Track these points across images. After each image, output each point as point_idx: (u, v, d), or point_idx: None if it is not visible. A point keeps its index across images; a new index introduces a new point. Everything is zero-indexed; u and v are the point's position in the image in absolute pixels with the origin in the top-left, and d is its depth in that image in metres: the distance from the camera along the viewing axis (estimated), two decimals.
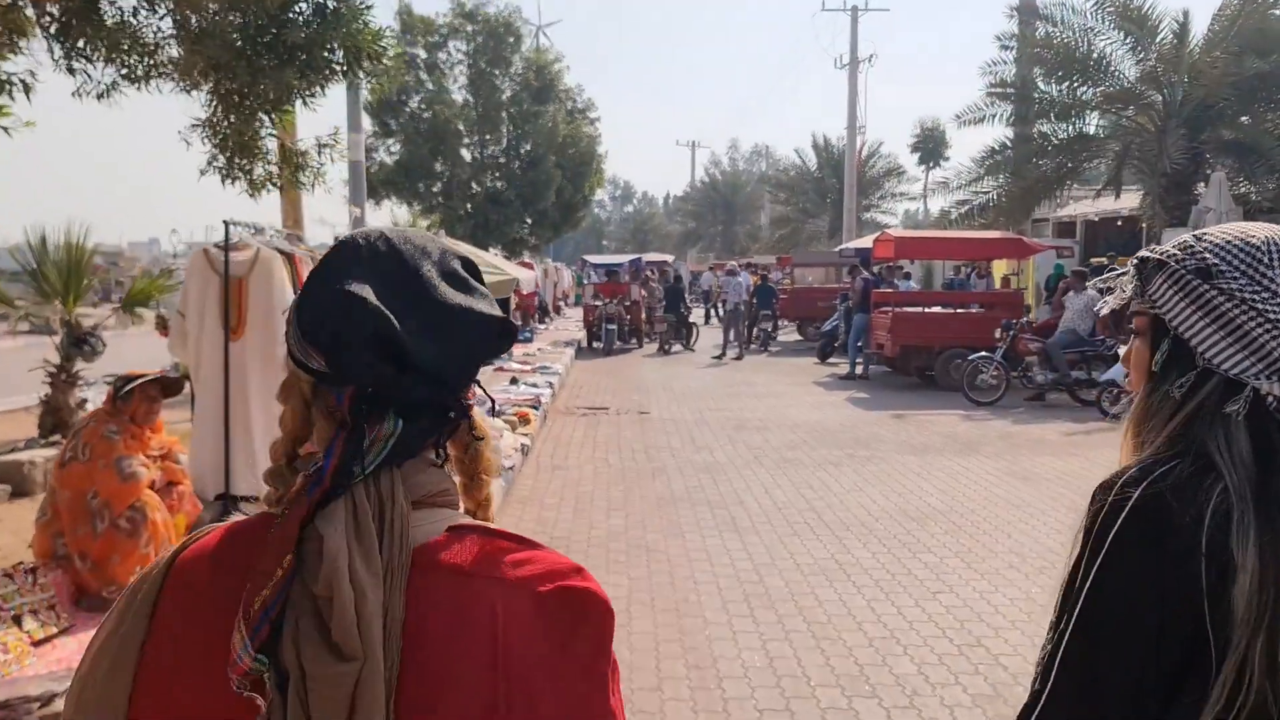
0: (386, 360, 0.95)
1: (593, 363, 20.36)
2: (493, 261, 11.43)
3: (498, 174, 31.95)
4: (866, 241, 26.45)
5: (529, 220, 32.72)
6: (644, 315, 23.48)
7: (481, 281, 1.08)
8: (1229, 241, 1.16)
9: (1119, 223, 23.16)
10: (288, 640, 0.90)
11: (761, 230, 60.64)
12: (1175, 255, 1.19)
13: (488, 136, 31.98)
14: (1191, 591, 1.08)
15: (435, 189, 31.27)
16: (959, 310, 16.37)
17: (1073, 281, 14.18)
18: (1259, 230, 1.17)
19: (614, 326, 21.47)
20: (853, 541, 7.06)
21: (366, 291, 0.96)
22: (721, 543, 7.05)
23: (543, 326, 28.25)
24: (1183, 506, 1.10)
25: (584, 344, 23.21)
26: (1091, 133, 18.17)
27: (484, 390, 1.14)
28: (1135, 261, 1.26)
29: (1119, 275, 1.29)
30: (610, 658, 1.01)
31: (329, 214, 43.91)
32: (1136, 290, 1.24)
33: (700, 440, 11.27)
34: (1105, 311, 1.34)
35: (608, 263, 28.79)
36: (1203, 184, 17.62)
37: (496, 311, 1.05)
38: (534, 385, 13.82)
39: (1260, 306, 1.11)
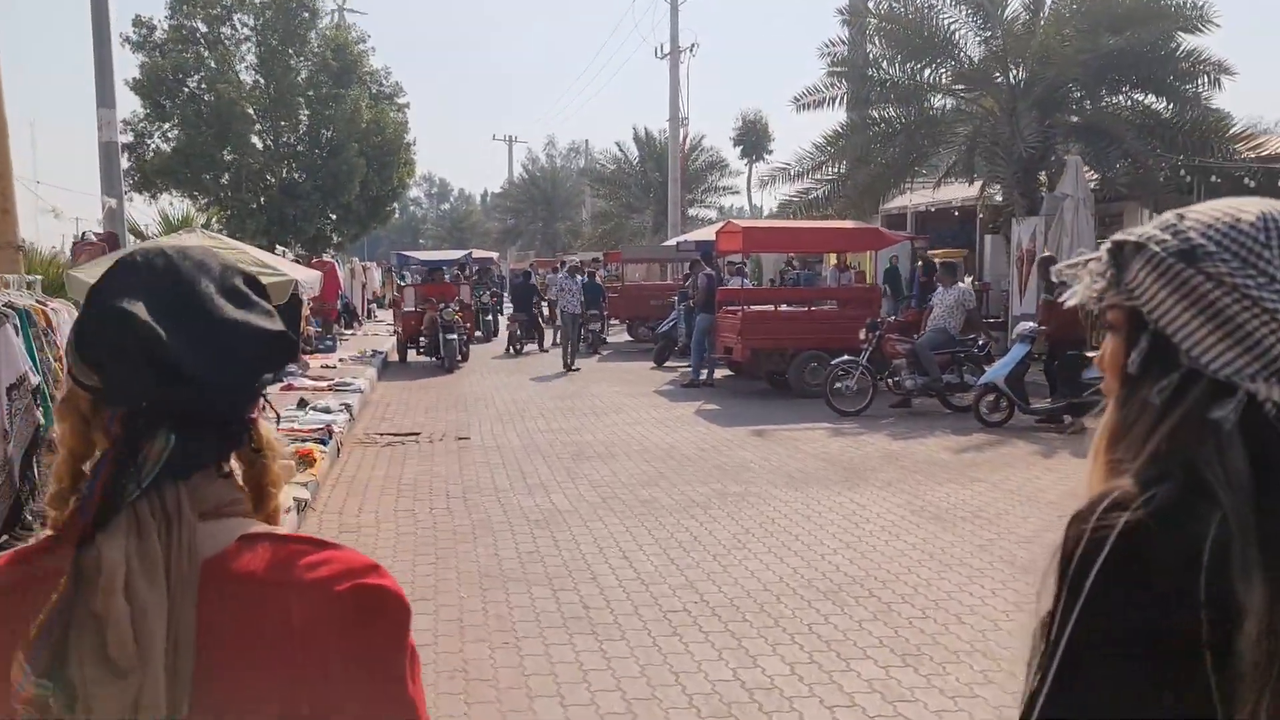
0: (157, 375, 0.96)
1: (406, 379, 17.88)
2: (262, 260, 9.00)
3: (294, 163, 28.73)
4: (704, 234, 24.93)
5: (332, 215, 29.65)
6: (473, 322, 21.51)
7: (266, 298, 1.09)
8: (1217, 219, 1.00)
9: (956, 213, 22.37)
10: (72, 660, 0.91)
11: (583, 226, 58.82)
12: (1156, 236, 1.03)
13: (282, 123, 28.70)
14: (1189, 640, 0.92)
15: (222, 180, 27.79)
16: (814, 309, 14.82)
17: (942, 275, 12.80)
18: (1251, 206, 1.01)
19: (454, 336, 17.91)
20: (754, 639, 5.11)
21: (138, 308, 0.98)
22: (574, 654, 4.96)
23: (350, 333, 25.36)
24: (1174, 539, 0.94)
25: (393, 358, 19.74)
26: (938, 116, 17.00)
27: (271, 405, 1.14)
28: (1110, 245, 1.08)
29: (1085, 261, 1.10)
30: (407, 649, 1.04)
31: (68, 205, 38.09)
32: (1111, 279, 1.05)
33: (533, 476, 9.15)
34: (1071, 304, 1.11)
35: (432, 259, 23.97)
36: (1048, 171, 16.74)
37: (275, 326, 1.06)
38: (325, 411, 11.35)
39: (1255, 294, 0.95)
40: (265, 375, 1.07)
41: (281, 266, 9.63)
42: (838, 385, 12.38)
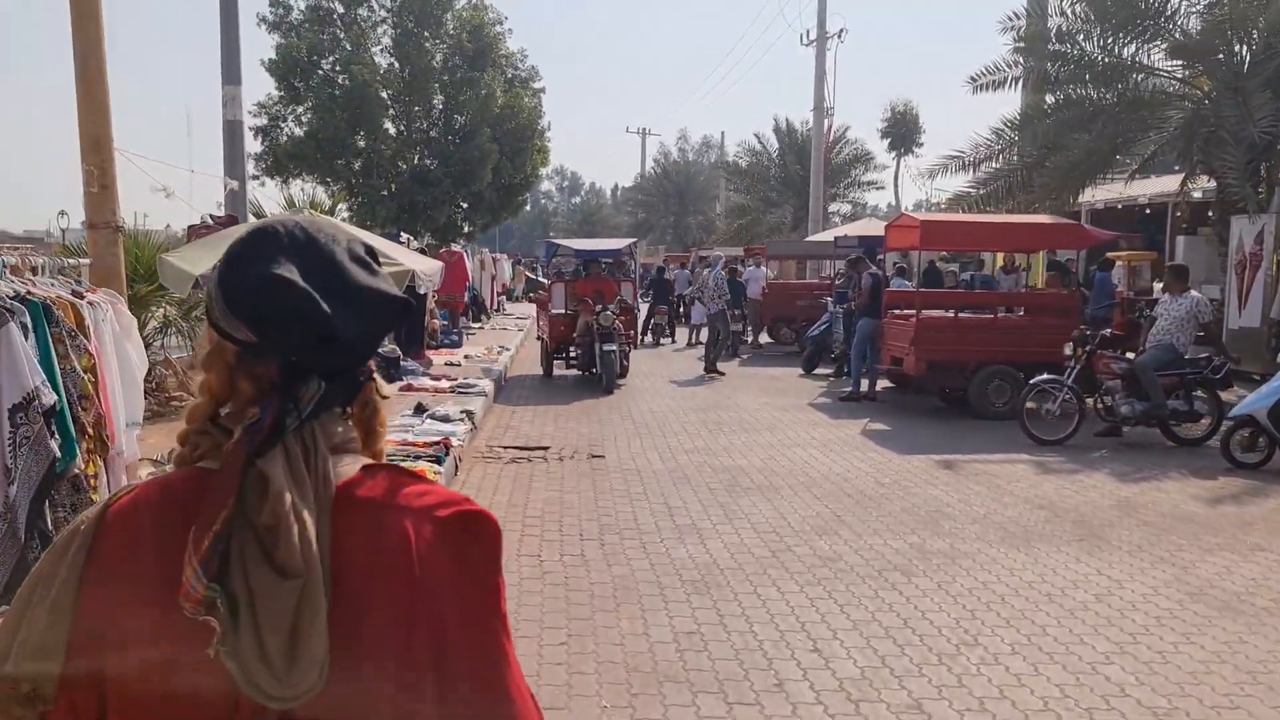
0: (314, 335, 1.08)
1: (540, 384, 16.58)
2: (384, 250, 7.68)
3: (426, 150, 27.91)
4: (860, 228, 22.97)
5: (463, 204, 28.73)
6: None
7: (380, 265, 1.20)
8: None
9: (1146, 210, 19.86)
10: (235, 567, 1.01)
11: (717, 220, 57.07)
12: None
13: (415, 108, 27.92)
14: None
15: (354, 166, 27.13)
16: (1000, 316, 12.81)
17: (1170, 281, 10.68)
18: None
19: (614, 348, 14.22)
20: None
21: (294, 274, 1.08)
22: None
23: (478, 326, 24.30)
24: None
25: (522, 369, 16.90)
26: (1145, 97, 14.67)
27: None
28: None
29: None
30: (500, 567, 1.18)
31: (174, 181, 36.65)
32: None
33: (682, 512, 7.57)
34: None
35: (589, 249, 18.59)
36: (1268, 164, 14.27)
37: (398, 292, 1.18)
38: (444, 420, 10.00)
39: None
40: (388, 334, 1.25)
41: (399, 255, 8.30)
42: (1038, 408, 10.43)
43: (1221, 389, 10.35)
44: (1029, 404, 10.42)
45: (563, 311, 15.46)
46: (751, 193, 44.53)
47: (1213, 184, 15.43)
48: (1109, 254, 16.97)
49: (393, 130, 27.72)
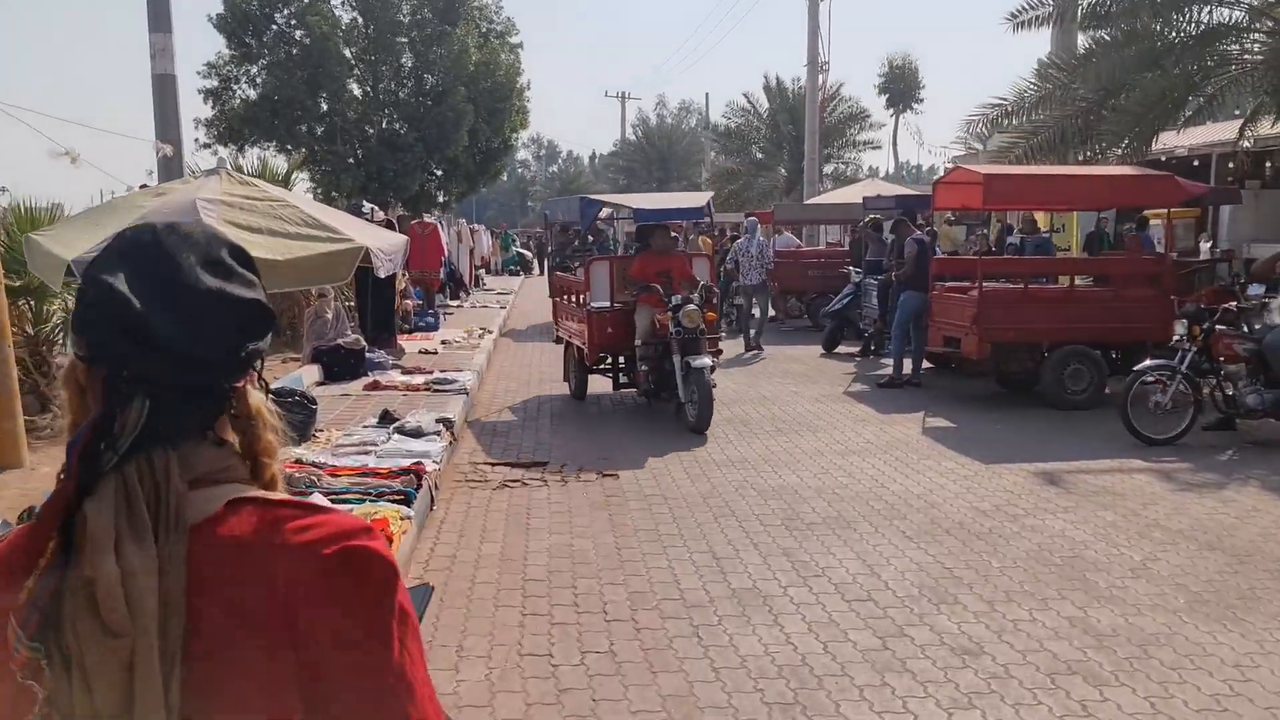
0: (131, 342, 0.98)
1: (524, 354, 14.56)
2: (317, 218, 5.71)
3: (395, 113, 25.65)
4: (847, 194, 20.91)
5: (437, 171, 26.54)
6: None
7: (254, 270, 1.11)
8: None
9: (1195, 163, 17.91)
10: (66, 624, 0.94)
11: (703, 186, 54.92)
12: None
13: (383, 67, 25.64)
14: None
15: (317, 131, 24.86)
16: (1078, 288, 10.84)
17: None
18: None
19: (706, 362, 9.11)
20: None
21: (118, 279, 1.00)
22: None
23: (456, 304, 22.20)
24: None
25: (543, 387, 11.93)
26: (1218, 29, 12.65)
27: (260, 375, 1.13)
28: None
29: None
30: (396, 612, 1.03)
31: (86, 146, 31.34)
32: None
33: (736, 569, 5.62)
34: None
35: (658, 208, 11.69)
36: None
37: (252, 294, 1.08)
38: (416, 434, 7.99)
39: None
40: (249, 345, 1.07)
41: (350, 230, 6.29)
42: (1148, 400, 8.53)
43: None
44: (1138, 395, 8.51)
45: (608, 306, 10.29)
46: (741, 155, 42.40)
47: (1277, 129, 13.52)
48: (1145, 211, 15.07)
49: (358, 91, 25.46)
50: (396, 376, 11.25)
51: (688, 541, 6.12)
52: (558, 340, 11.92)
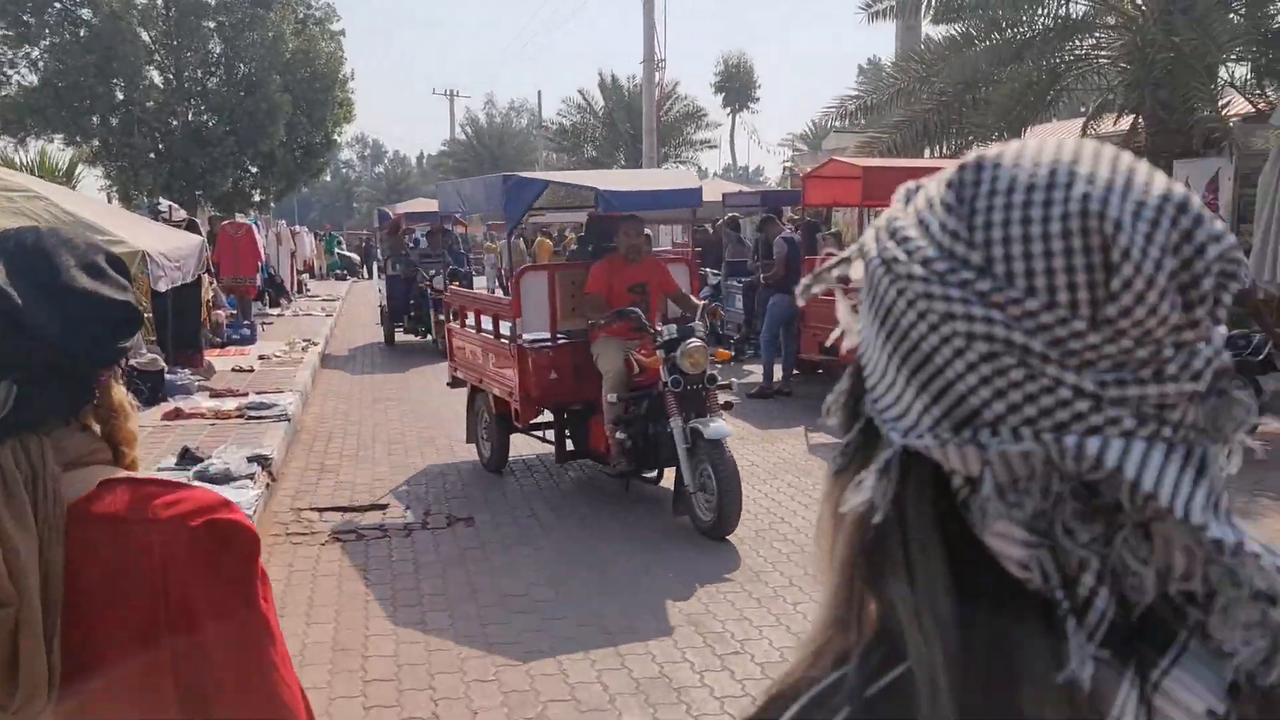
0: (5, 329, 1.05)
1: (348, 372, 13.02)
2: (90, 222, 4.21)
3: (202, 103, 23.36)
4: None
5: (252, 168, 24.38)
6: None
7: (127, 277, 1.20)
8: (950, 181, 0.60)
9: None
10: None
11: None
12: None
13: (187, 52, 23.30)
14: None
15: (111, 122, 22.33)
16: None
17: None
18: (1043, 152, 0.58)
19: (721, 431, 5.98)
20: None
21: None
22: None
23: (276, 313, 20.26)
24: None
25: (483, 461, 7.90)
26: (1075, 21, 12.40)
27: (122, 372, 1.21)
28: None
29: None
30: (257, 574, 1.14)
31: None
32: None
33: (629, 646, 4.51)
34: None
35: (634, 191, 7.68)
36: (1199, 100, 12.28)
37: (122, 296, 1.15)
38: (224, 478, 6.50)
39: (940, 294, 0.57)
40: (117, 342, 1.15)
41: (123, 230, 4.88)
42: None
43: (1262, 374, 8.08)
44: None
45: (549, 341, 7.29)
46: (576, 154, 41.50)
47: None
48: None
49: (159, 79, 23.04)
50: (203, 401, 9.62)
51: (569, 610, 4.97)
52: (455, 383, 8.70)
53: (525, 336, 7.11)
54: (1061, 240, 0.54)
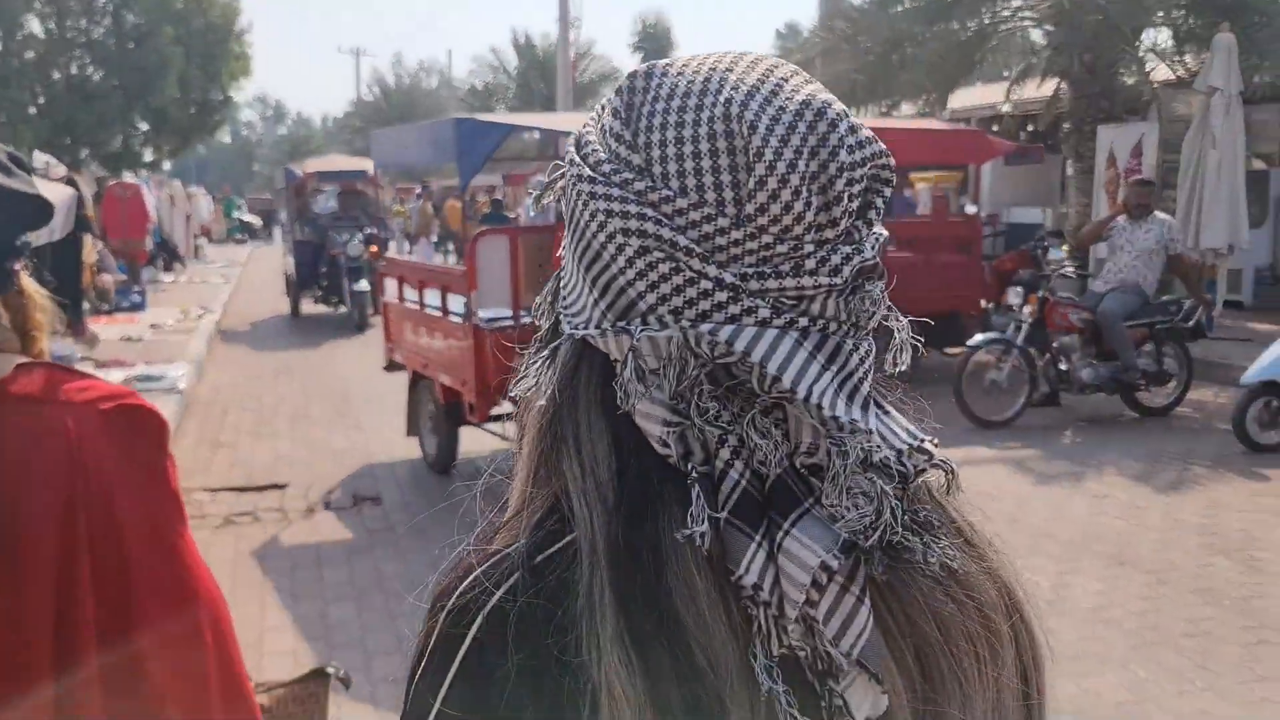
0: None
1: (252, 348, 12.30)
2: None
3: (88, 55, 21.97)
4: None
5: (142, 124, 23.07)
6: None
7: (30, 174, 1.21)
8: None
9: (994, 127, 17.71)
10: None
11: None
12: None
13: (71, 1, 21.88)
14: None
15: None
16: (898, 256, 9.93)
17: (1133, 199, 8.08)
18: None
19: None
20: None
21: None
22: None
23: (169, 279, 19.20)
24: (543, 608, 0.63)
25: (428, 458, 8.41)
26: None
27: (32, 263, 1.25)
28: None
29: None
30: (168, 457, 1.22)
31: None
32: None
33: None
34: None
35: None
36: (1124, 65, 12.26)
37: (32, 191, 1.17)
38: None
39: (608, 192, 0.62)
40: (26, 233, 1.18)
41: None
42: (983, 378, 7.69)
43: (1192, 341, 7.99)
44: (971, 374, 7.65)
45: (508, 317, 6.22)
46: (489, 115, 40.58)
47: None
48: (911, 174, 14.71)
49: (39, 29, 21.59)
50: (94, 372, 8.89)
51: None
52: (391, 366, 7.52)
53: (482, 314, 6.03)
54: (708, 142, 0.59)
